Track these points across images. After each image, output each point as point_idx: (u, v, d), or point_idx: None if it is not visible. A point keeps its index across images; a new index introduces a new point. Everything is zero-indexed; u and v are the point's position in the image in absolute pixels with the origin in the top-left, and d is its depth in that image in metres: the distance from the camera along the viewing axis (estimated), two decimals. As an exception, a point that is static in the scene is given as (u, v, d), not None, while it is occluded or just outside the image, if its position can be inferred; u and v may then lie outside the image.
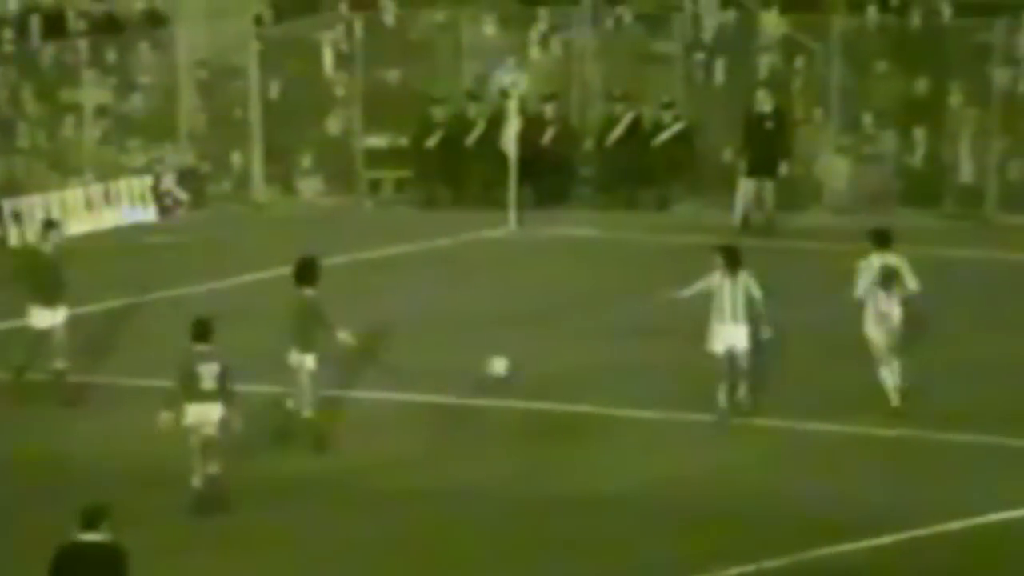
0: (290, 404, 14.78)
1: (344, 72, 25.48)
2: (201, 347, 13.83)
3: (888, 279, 15.41)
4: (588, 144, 25.13)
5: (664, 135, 24.56)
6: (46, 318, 15.81)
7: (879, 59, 24.18)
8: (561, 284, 20.11)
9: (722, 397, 14.93)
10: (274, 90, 25.34)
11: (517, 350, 17.04)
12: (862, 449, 14.60)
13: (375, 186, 25.40)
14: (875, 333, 15.36)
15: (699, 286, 15.12)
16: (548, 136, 24.74)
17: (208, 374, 13.72)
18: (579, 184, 25.07)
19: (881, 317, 15.35)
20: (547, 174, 24.55)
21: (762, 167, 23.13)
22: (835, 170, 24.22)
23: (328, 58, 25.59)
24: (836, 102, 24.03)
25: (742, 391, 15.01)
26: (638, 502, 13.49)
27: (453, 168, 24.93)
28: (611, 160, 24.72)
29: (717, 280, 15.02)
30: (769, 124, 23.27)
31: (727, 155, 24.47)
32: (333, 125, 25.57)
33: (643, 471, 14.10)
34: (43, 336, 15.78)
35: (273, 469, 14.14)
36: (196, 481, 13.68)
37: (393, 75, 25.43)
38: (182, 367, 13.73)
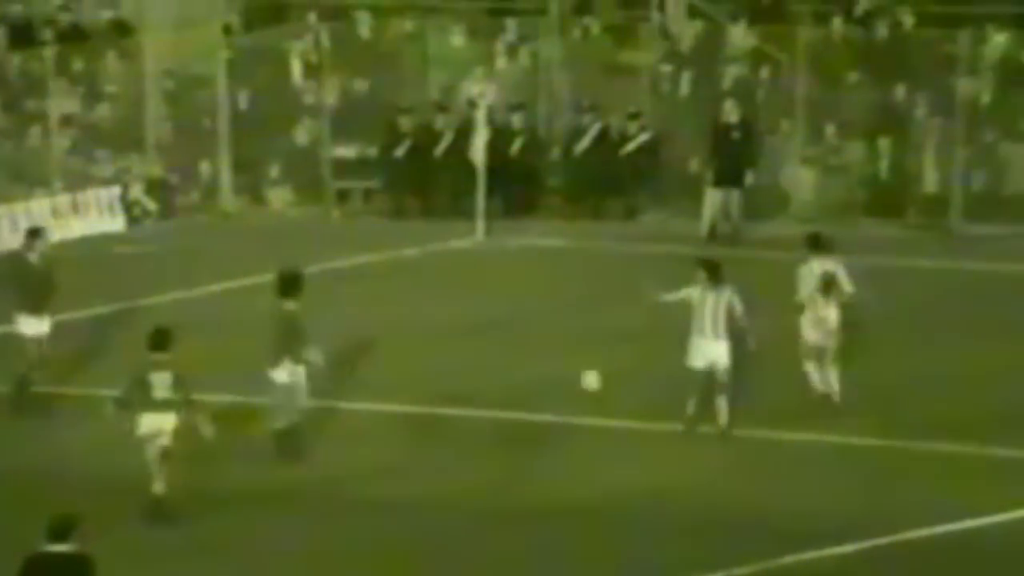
0: (279, 424, 14.64)
1: (312, 82, 25.48)
2: (157, 356, 13.79)
3: (828, 285, 15.64)
4: (555, 154, 25.20)
5: (631, 145, 24.64)
6: (33, 326, 15.78)
7: (845, 70, 24.33)
8: (529, 294, 20.14)
9: (691, 407, 14.91)
10: (243, 100, 25.33)
11: (486, 360, 17.09)
12: (832, 458, 14.66)
13: (343, 196, 25.41)
14: (811, 336, 15.59)
15: (681, 294, 15.09)
16: (516, 146, 24.79)
17: (160, 383, 13.66)
18: (547, 194, 25.12)
19: (819, 321, 15.59)
20: (515, 184, 24.60)
21: (729, 177, 23.24)
22: (801, 180, 24.36)
23: (296, 68, 25.59)
24: (802, 113, 24.16)
25: (722, 408, 14.83)
26: (606, 512, 13.51)
27: (421, 178, 24.95)
28: (578, 170, 24.79)
29: (698, 294, 14.93)
30: (736, 134, 23.37)
31: (694, 165, 24.56)
32: (301, 135, 25.56)
33: (612, 481, 14.13)
34: (32, 343, 15.74)
35: (246, 479, 14.11)
36: (158, 488, 13.64)
37: (361, 85, 25.44)
38: (135, 375, 13.73)
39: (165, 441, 13.65)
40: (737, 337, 15.12)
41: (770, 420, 15.15)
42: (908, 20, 24.20)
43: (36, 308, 15.79)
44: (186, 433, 13.60)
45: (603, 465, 14.53)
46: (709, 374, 14.84)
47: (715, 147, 23.40)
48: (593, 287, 19.82)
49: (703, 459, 14.66)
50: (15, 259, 16.32)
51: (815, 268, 15.95)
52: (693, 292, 14.96)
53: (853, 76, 24.27)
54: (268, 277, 20.46)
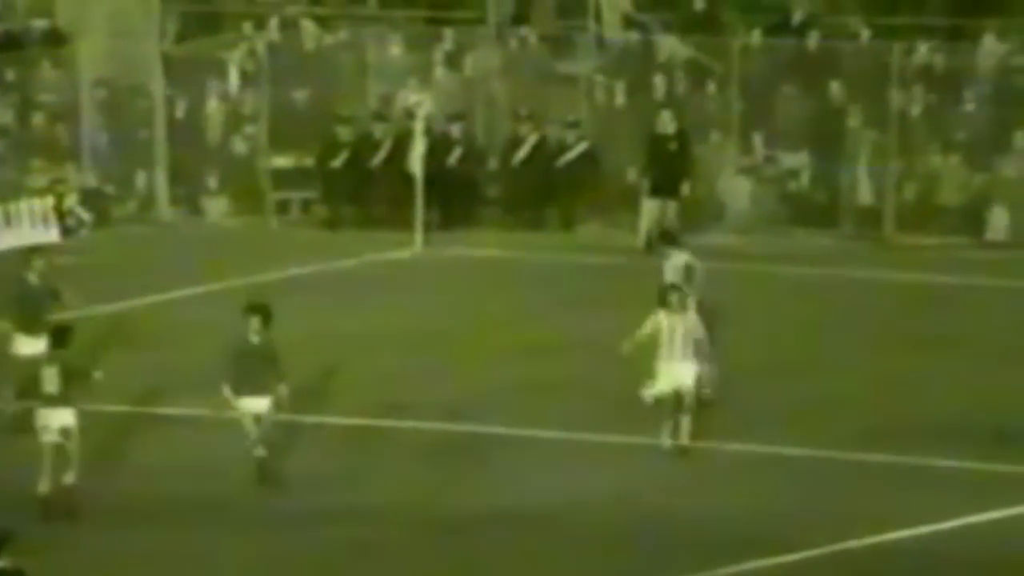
0: (259, 451, 14.49)
1: (249, 92, 25.38)
2: (53, 351, 13.82)
3: (689, 276, 15.88)
4: (494, 164, 25.20)
5: (569, 155, 24.68)
6: (29, 346, 15.49)
7: (779, 81, 24.47)
8: (468, 305, 20.13)
9: (666, 438, 14.79)
10: (180, 109, 25.17)
11: (424, 371, 17.05)
12: (771, 468, 14.72)
13: (282, 207, 25.30)
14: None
15: (649, 328, 14.93)
16: (454, 156, 24.79)
17: (49, 377, 13.61)
18: (485, 204, 25.11)
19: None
20: (453, 194, 24.57)
21: (665, 187, 23.31)
22: (736, 191, 24.49)
23: (233, 77, 25.47)
24: (736, 123, 24.30)
25: (685, 426, 14.80)
26: (542, 521, 13.53)
27: (359, 188, 24.88)
28: (517, 180, 24.80)
29: (667, 320, 14.80)
30: (672, 145, 23.46)
31: (631, 175, 24.64)
32: (239, 145, 25.44)
33: (548, 491, 14.15)
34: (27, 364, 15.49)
35: (177, 490, 14.01)
36: (43, 487, 13.56)
37: (299, 95, 25.36)
38: (26, 368, 13.75)
39: (54, 438, 13.57)
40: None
41: (704, 431, 15.20)
42: (862, 31, 24.37)
43: (32, 328, 15.51)
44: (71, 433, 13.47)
45: (538, 476, 14.54)
46: (677, 397, 14.71)
47: (651, 157, 23.47)
48: (531, 298, 19.84)
49: (638, 470, 14.69)
50: (14, 280, 16.08)
51: (676, 260, 16.30)
52: (661, 319, 14.80)
53: (787, 87, 24.44)
54: (204, 289, 20.60)
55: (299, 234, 24.39)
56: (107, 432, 15.08)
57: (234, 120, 25.34)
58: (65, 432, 13.65)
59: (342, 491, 14.18)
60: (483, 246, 23.26)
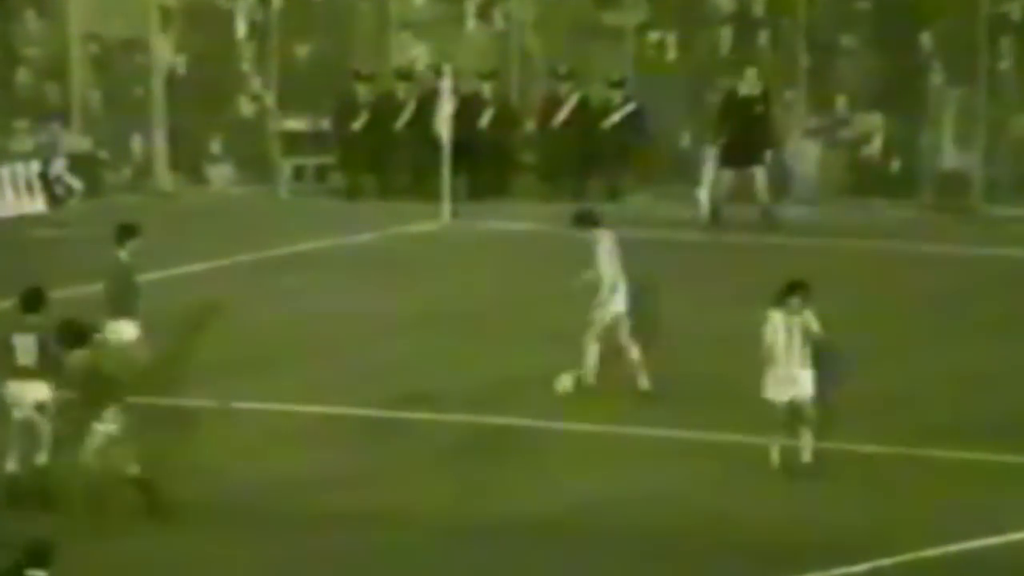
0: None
1: (258, 46, 25.40)
2: (27, 318, 13.75)
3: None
4: (529, 127, 25.17)
5: (614, 117, 24.62)
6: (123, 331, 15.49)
7: (849, 34, 24.31)
8: (499, 284, 20.11)
9: (776, 454, 14.59)
10: (180, 66, 25.23)
11: (449, 357, 17.06)
12: (837, 466, 14.63)
13: (294, 174, 25.35)
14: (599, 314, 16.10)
15: (769, 334, 14.52)
16: (485, 119, 24.76)
17: (23, 347, 13.58)
18: (519, 172, 25.10)
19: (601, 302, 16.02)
20: (484, 161, 24.57)
21: (747, 156, 22.79)
22: (804, 156, 24.34)
23: (241, 30, 25.50)
24: (804, 81, 24.14)
25: (808, 442, 14.41)
26: (578, 525, 13.49)
27: (380, 154, 24.91)
28: (555, 145, 24.76)
29: (783, 318, 14.38)
30: (758, 108, 22.91)
31: (685, 140, 24.54)
32: (246, 106, 25.48)
33: (583, 491, 14.10)
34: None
35: (181, 490, 14.04)
36: (11, 466, 13.61)
37: (312, 50, 25.38)
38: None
39: (27, 413, 13.59)
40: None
41: (753, 425, 15.16)
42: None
43: (125, 312, 15.55)
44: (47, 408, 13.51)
45: (571, 474, 14.49)
46: (793, 409, 14.48)
47: (731, 122, 22.86)
48: (570, 277, 19.77)
49: (685, 467, 14.63)
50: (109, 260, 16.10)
51: (607, 244, 16.45)
52: (776, 317, 14.53)
53: (860, 39, 24.27)
54: (208, 265, 20.66)
55: (313, 204, 24.45)
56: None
57: (240, 77, 25.40)
58: (40, 407, 13.66)
59: (356, 491, 14.18)
60: (517, 218, 23.23)
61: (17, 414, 13.70)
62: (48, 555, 10.53)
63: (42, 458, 13.75)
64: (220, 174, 25.42)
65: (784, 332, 14.49)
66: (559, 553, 13.06)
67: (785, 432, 14.51)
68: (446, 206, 23.29)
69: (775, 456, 14.53)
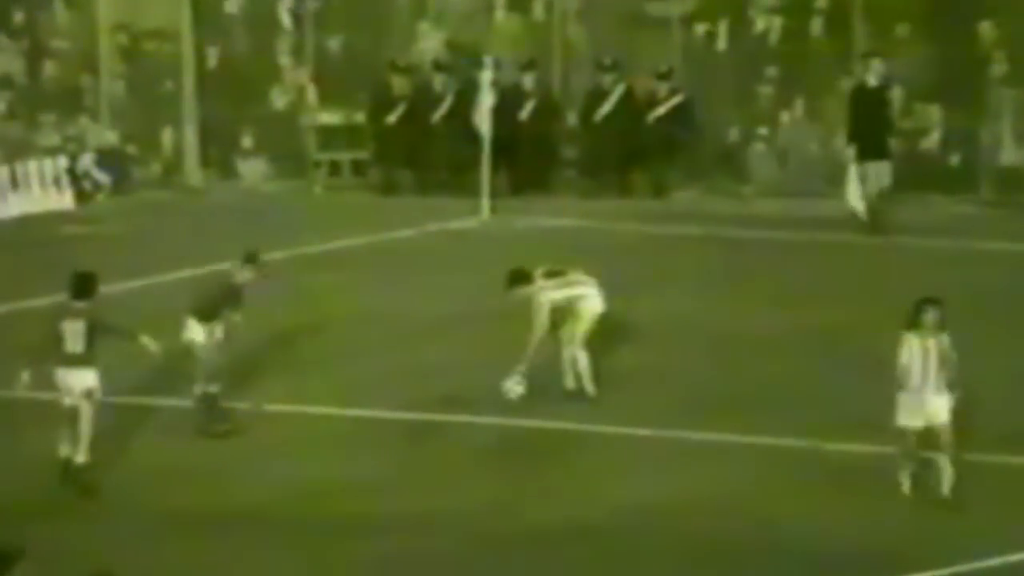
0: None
1: (293, 37, 25.46)
2: (74, 304, 13.76)
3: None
4: (572, 120, 25.13)
5: (660, 110, 24.55)
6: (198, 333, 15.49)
7: (905, 23, 24.17)
8: (540, 282, 20.04)
9: (906, 482, 14.32)
10: (211, 58, 25.29)
11: (487, 358, 16.99)
12: (884, 472, 14.55)
13: (328, 169, 25.40)
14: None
15: (901, 359, 14.10)
16: (526, 111, 24.73)
17: (72, 333, 13.60)
18: (562, 167, 25.07)
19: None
20: (525, 155, 24.55)
21: (878, 149, 22.28)
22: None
23: (285, 20, 25.53)
24: (859, 70, 24.00)
25: (947, 471, 13.92)
26: (622, 533, 13.43)
27: (416, 148, 24.91)
28: (599, 139, 24.71)
29: (915, 342, 13.86)
30: (881, 99, 22.42)
31: (734, 133, 24.47)
32: (279, 99, 25.53)
33: (624, 496, 14.03)
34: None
35: (209, 498, 14.08)
36: (65, 450, 13.79)
37: (347, 41, 25.40)
38: (49, 323, 13.72)
39: (73, 401, 13.67)
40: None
41: (799, 428, 15.08)
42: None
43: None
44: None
45: (611, 479, 14.42)
46: (927, 436, 14.18)
47: (860, 115, 22.28)
48: (614, 276, 19.70)
49: (733, 472, 14.55)
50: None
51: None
52: (911, 339, 14.26)
53: (918, 29, 24.15)
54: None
55: (348, 200, 24.48)
56: (123, 428, 15.18)
57: (274, 70, 25.46)
58: (88, 395, 13.74)
59: (389, 496, 14.16)
60: (559, 215, 23.19)
61: (67, 401, 13.77)
62: (10, 562, 10.47)
63: (80, 456, 13.82)
64: (252, 169, 25.48)
65: (920, 355, 13.95)
66: (599, 560, 13.01)
67: (915, 459, 14.09)
68: (485, 202, 23.27)
69: (906, 485, 14.09)
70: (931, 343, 13.98)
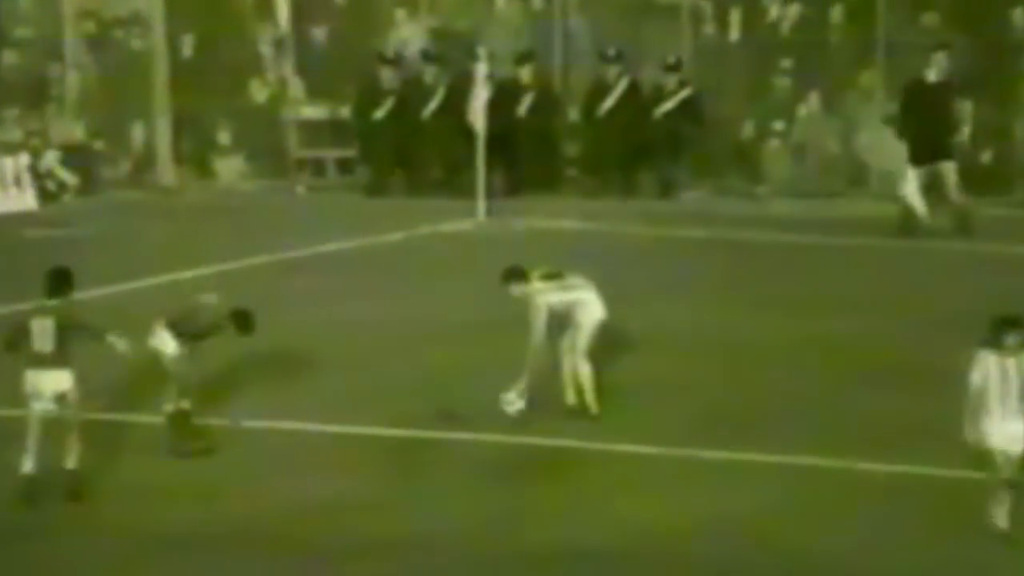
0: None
1: (272, 25, 25.54)
2: (48, 301, 13.76)
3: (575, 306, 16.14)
4: (573, 116, 25.23)
5: (668, 104, 24.65)
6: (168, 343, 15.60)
7: (931, 11, 24.28)
8: (540, 289, 20.12)
9: (1002, 516, 13.72)
10: (186, 47, 25.36)
11: (484, 370, 17.06)
12: (914, 494, 14.61)
13: (315, 168, 25.48)
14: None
15: (974, 382, 14.13)
16: (524, 106, 24.82)
17: (41, 332, 13.56)
18: (563, 165, 25.16)
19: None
20: (523, 153, 24.64)
21: (937, 150, 22.22)
22: (882, 146, 24.31)
23: (283, 10, 25.61)
24: (882, 64, 24.13)
25: (1007, 505, 13.66)
26: (629, 556, 13.51)
27: (406, 146, 25.00)
28: (602, 135, 24.82)
29: (992, 363, 13.60)
30: (944, 96, 22.43)
31: (748, 129, 24.57)
32: (259, 92, 25.60)
33: (635, 518, 14.07)
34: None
35: (193, 517, 14.13)
36: (27, 466, 13.67)
37: (333, 30, 25.49)
38: (16, 321, 13.73)
39: (45, 405, 13.63)
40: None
41: (821, 446, 15.15)
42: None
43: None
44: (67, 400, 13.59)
45: (620, 500, 14.45)
46: (1007, 463, 14.02)
47: (919, 114, 22.30)
48: (618, 283, 19.78)
49: (745, 492, 14.61)
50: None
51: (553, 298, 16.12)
52: (988, 359, 14.10)
53: (945, 16, 24.24)
54: (216, 269, 20.75)
55: (333, 201, 24.56)
56: (94, 443, 15.24)
57: (254, 60, 25.54)
58: (61, 399, 13.71)
59: (378, 517, 14.20)
60: (559, 216, 23.28)
61: (36, 406, 13.71)
62: None
63: (71, 462, 13.83)
64: (229, 167, 25.57)
65: (998, 376, 13.71)
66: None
67: (1013, 488, 13.68)
68: (480, 203, 23.35)
69: (1002, 519, 13.76)
70: (1011, 363, 13.72)
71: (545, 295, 16.04)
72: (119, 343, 14.12)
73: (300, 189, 25.31)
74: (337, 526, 13.92)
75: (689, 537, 13.70)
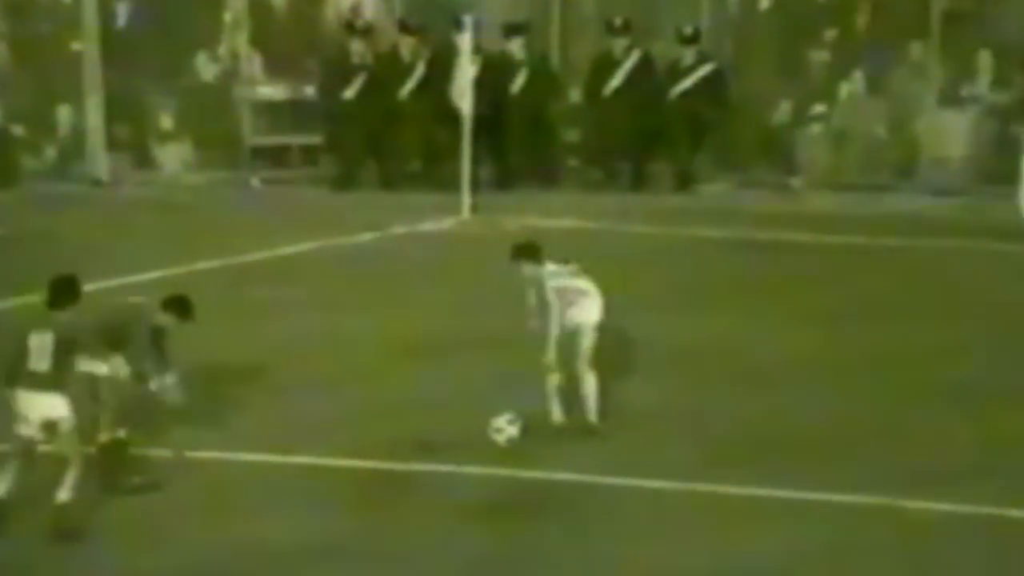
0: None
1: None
2: (50, 314, 13.79)
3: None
4: (575, 96, 25.32)
5: (685, 82, 24.75)
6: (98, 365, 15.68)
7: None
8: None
9: None
10: (120, 16, 25.43)
11: (471, 391, 17.14)
12: (976, 537, 14.71)
13: (274, 157, 25.55)
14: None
15: None
16: (517, 85, 24.91)
17: (39, 348, 13.62)
18: (562, 154, 25.26)
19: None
20: (516, 139, 24.73)
21: None
22: (941, 132, 24.40)
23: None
24: (938, 34, 24.22)
25: None
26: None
27: (380, 131, 25.08)
28: (608, 119, 24.92)
29: None
30: None
31: (783, 112, 24.66)
32: (208, 68, 25.67)
33: (647, 563, 14.15)
34: None
35: (133, 558, 14.21)
36: (1, 488, 13.77)
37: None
38: (16, 336, 13.74)
39: (30, 432, 13.66)
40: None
41: (878, 481, 15.22)
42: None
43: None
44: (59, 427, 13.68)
45: (629, 542, 14.53)
46: None
47: None
48: (622, 289, 19.91)
49: (777, 534, 14.70)
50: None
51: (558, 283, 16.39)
52: None
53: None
54: (158, 274, 20.81)
55: (294, 196, 24.66)
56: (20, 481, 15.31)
57: (201, 31, 25.63)
58: (49, 427, 13.75)
59: (352, 565, 14.31)
60: (557, 214, 23.39)
61: (23, 431, 13.73)
62: None
63: (64, 493, 13.84)
64: (172, 156, 25.64)
65: None
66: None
67: None
68: (465, 198, 23.44)
69: None
70: None
71: (558, 280, 16.15)
72: (122, 370, 14.20)
73: (256, 182, 25.39)
74: (307, 570, 13.99)
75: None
